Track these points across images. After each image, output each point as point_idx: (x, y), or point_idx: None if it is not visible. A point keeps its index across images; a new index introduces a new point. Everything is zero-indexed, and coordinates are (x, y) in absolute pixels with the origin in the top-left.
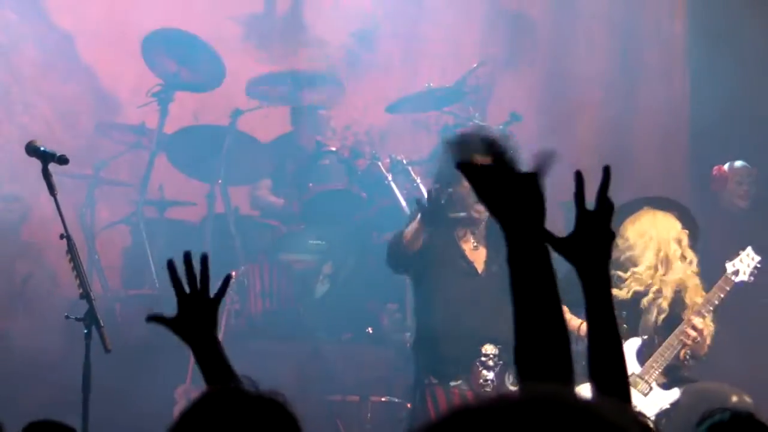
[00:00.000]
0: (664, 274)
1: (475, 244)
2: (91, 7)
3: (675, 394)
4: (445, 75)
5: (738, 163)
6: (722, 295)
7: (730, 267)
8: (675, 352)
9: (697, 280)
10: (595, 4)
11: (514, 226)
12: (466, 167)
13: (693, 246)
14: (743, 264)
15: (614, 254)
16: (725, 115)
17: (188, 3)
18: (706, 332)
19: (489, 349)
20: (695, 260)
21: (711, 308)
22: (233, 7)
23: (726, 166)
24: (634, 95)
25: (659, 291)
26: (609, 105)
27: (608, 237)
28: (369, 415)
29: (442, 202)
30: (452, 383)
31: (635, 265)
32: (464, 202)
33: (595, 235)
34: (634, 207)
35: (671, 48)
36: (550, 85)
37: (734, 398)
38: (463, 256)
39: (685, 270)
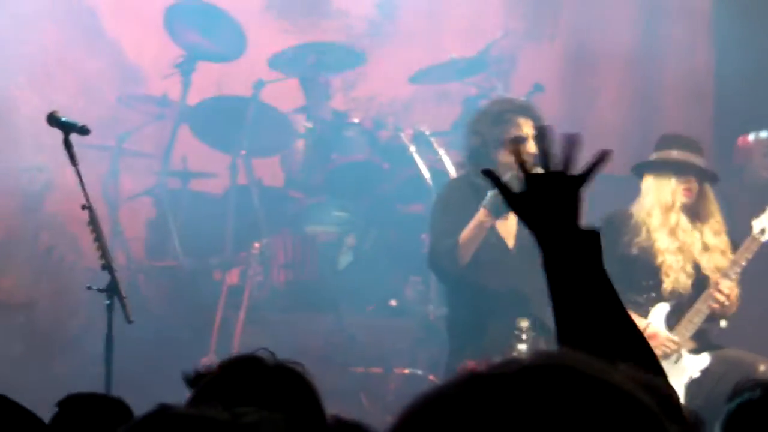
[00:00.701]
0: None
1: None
2: None
3: (705, 359)
4: (467, 46)
5: (763, 134)
6: (749, 256)
7: (757, 225)
8: (704, 317)
9: (727, 253)
10: None
11: (548, 234)
12: (492, 175)
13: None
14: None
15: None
16: (750, 87)
17: None
18: (733, 296)
19: (522, 323)
20: (720, 222)
21: (738, 270)
22: None
23: (751, 137)
24: (657, 67)
25: (683, 254)
26: (632, 77)
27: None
28: (392, 387)
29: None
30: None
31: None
32: (524, 146)
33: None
34: (655, 169)
35: (696, 20)
36: (573, 57)
37: (762, 367)
38: (494, 232)
39: (711, 231)
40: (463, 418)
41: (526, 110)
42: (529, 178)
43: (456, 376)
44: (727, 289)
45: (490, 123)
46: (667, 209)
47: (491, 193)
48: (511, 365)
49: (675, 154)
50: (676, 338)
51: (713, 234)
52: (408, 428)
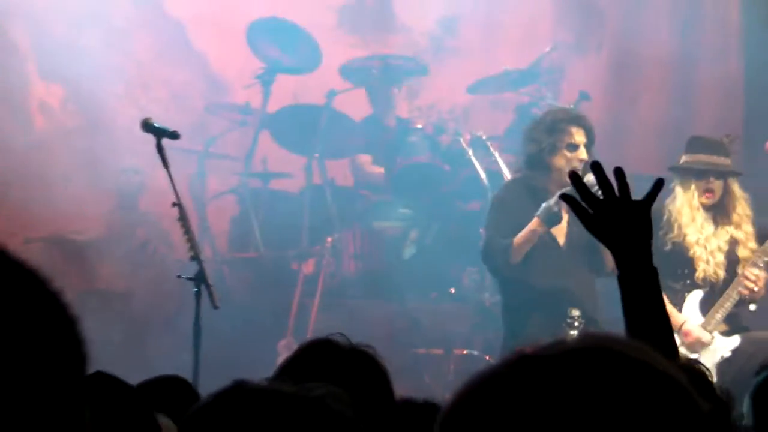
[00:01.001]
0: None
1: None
2: None
3: (735, 341)
4: (520, 59)
5: None
6: None
7: None
8: (734, 302)
9: (755, 248)
10: None
11: (625, 252)
12: (571, 200)
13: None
14: None
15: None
16: None
17: None
18: (761, 282)
19: (574, 312)
20: (746, 215)
21: (766, 258)
22: None
23: None
24: (692, 76)
25: (711, 246)
26: (669, 82)
27: (638, 226)
28: (452, 366)
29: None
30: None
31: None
32: (562, 178)
33: (624, 222)
34: (680, 173)
35: (727, 28)
36: (616, 66)
37: None
38: (547, 231)
39: (736, 224)
40: (513, 396)
41: (577, 120)
42: (602, 204)
43: (509, 355)
44: (755, 276)
45: (545, 131)
46: (692, 208)
47: (545, 206)
48: (558, 347)
49: (697, 158)
50: (707, 338)
51: (738, 226)
52: (464, 405)
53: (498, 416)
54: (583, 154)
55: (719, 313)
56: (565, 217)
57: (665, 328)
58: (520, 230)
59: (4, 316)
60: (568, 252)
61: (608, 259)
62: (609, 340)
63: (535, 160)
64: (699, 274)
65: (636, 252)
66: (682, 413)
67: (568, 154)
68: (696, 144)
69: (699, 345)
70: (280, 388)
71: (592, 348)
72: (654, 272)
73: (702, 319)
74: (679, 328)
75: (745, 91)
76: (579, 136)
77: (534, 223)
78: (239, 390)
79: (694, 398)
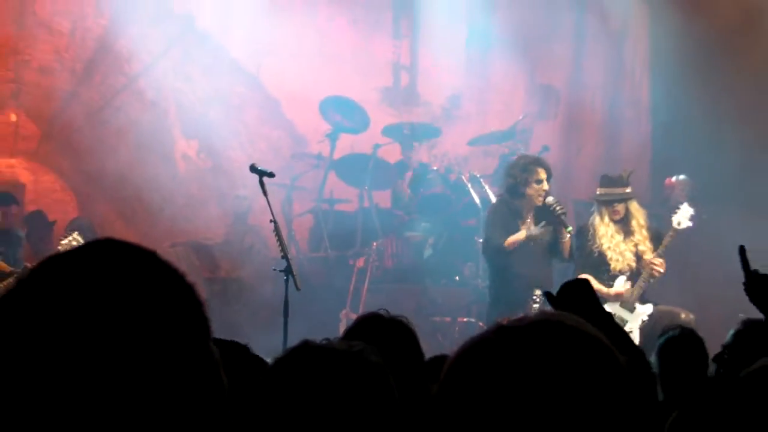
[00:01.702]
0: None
1: (529, 221)
2: (290, 82)
3: (650, 308)
4: (502, 123)
5: (681, 177)
6: (670, 240)
7: (675, 219)
8: (646, 281)
9: (649, 245)
10: (595, 79)
11: None
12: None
13: (648, 225)
14: (682, 214)
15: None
16: (674, 146)
17: (347, 79)
18: (662, 268)
19: (537, 291)
20: (642, 224)
21: (664, 250)
22: (374, 81)
23: (674, 179)
24: (617, 134)
25: (620, 248)
26: (601, 140)
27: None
28: (456, 329)
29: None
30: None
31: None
32: (536, 198)
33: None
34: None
35: (639, 105)
36: (567, 129)
37: (683, 316)
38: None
39: (636, 231)
40: (494, 354)
41: (541, 163)
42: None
43: (491, 326)
44: (659, 263)
45: (519, 170)
46: (605, 225)
47: (533, 234)
48: (524, 320)
49: (606, 191)
50: (629, 296)
51: (637, 232)
52: (461, 360)
53: (484, 369)
54: (545, 186)
55: (636, 290)
56: (532, 225)
57: None
58: (504, 233)
59: (158, 298)
60: (536, 249)
61: (565, 250)
62: (557, 315)
63: (513, 190)
64: (614, 267)
65: None
66: (605, 362)
67: (536, 186)
68: (605, 180)
69: (625, 302)
70: (331, 345)
71: (547, 321)
72: None
73: (630, 290)
74: (613, 296)
75: (652, 144)
76: (542, 174)
77: (521, 235)
78: (305, 346)
79: (614, 352)
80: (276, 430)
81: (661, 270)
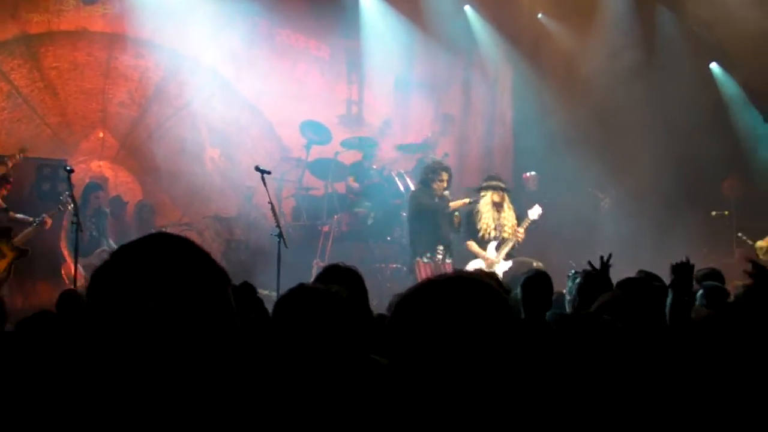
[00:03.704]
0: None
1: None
2: (280, 111)
3: (510, 263)
4: (417, 138)
5: (532, 173)
6: (527, 224)
7: (530, 213)
8: (511, 245)
9: (514, 222)
10: (477, 109)
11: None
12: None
13: (511, 204)
14: (533, 211)
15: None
16: (528, 152)
17: (317, 109)
18: (522, 236)
19: (440, 246)
20: (511, 207)
21: (525, 227)
22: (335, 110)
23: (528, 173)
24: (491, 146)
25: (495, 222)
26: (482, 151)
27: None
28: (388, 272)
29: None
30: (425, 260)
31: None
32: (439, 190)
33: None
34: (483, 190)
35: (505, 125)
36: (460, 142)
37: (535, 264)
38: (443, 202)
39: (506, 212)
40: (422, 299)
41: (445, 168)
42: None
43: (423, 280)
44: (521, 232)
45: (431, 171)
46: (490, 208)
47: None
48: (442, 276)
49: (491, 183)
50: (497, 260)
51: (507, 212)
52: (402, 304)
53: (416, 310)
54: (445, 183)
55: (503, 251)
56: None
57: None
58: (425, 208)
59: (194, 266)
60: (443, 221)
61: (455, 224)
62: (462, 272)
63: (425, 183)
64: (491, 235)
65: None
66: (496, 299)
67: (438, 183)
68: (489, 177)
69: (492, 264)
70: (317, 286)
71: (458, 276)
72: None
73: (495, 254)
74: (485, 255)
75: (513, 151)
76: (444, 176)
77: (457, 204)
78: (301, 287)
79: (500, 292)
80: (284, 347)
81: (522, 237)
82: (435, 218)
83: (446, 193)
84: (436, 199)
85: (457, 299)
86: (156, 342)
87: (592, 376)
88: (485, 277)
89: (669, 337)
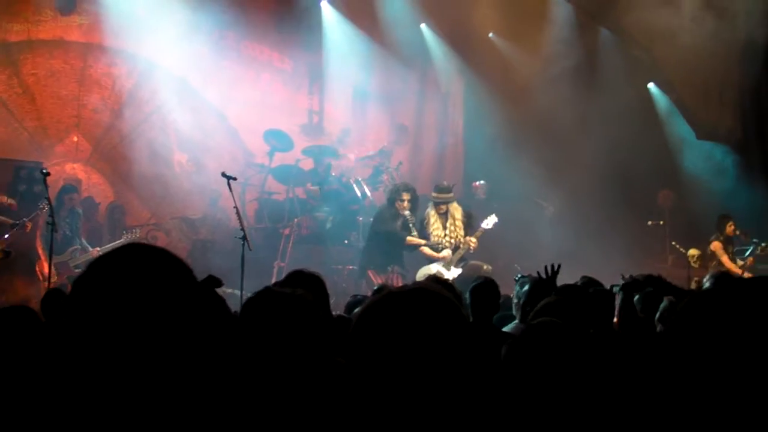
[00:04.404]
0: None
1: (399, 223)
2: (245, 119)
3: (459, 269)
4: (375, 147)
5: (481, 182)
6: (480, 234)
7: (483, 223)
8: (463, 252)
9: (461, 230)
10: (430, 120)
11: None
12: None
13: (466, 216)
14: (489, 220)
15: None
16: (476, 162)
17: (280, 118)
18: (474, 245)
19: (389, 267)
20: (459, 218)
21: (479, 235)
22: (297, 120)
23: (477, 182)
24: (444, 154)
25: (443, 232)
26: (435, 158)
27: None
28: (345, 272)
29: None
30: (381, 273)
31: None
32: (401, 209)
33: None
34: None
35: (457, 136)
36: (412, 150)
37: (484, 267)
38: (404, 223)
39: (455, 221)
40: (387, 309)
41: (407, 189)
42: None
43: (385, 292)
44: (473, 242)
45: (395, 191)
46: (436, 218)
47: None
48: (402, 288)
49: (437, 195)
50: (447, 255)
51: (456, 222)
52: (367, 310)
53: (382, 317)
54: (407, 202)
55: (456, 257)
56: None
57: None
58: (386, 227)
59: (168, 269)
60: (401, 236)
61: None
62: (418, 284)
63: (391, 201)
64: (440, 243)
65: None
66: (453, 312)
67: (399, 203)
68: (438, 188)
69: (446, 263)
70: (283, 290)
71: (414, 288)
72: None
73: (447, 259)
74: (440, 258)
75: (464, 161)
76: (405, 196)
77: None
78: (268, 290)
79: (455, 303)
80: (251, 348)
81: (473, 246)
82: (390, 242)
83: (407, 213)
84: (399, 219)
85: (417, 311)
86: (132, 343)
87: (535, 376)
88: (444, 291)
89: (614, 339)
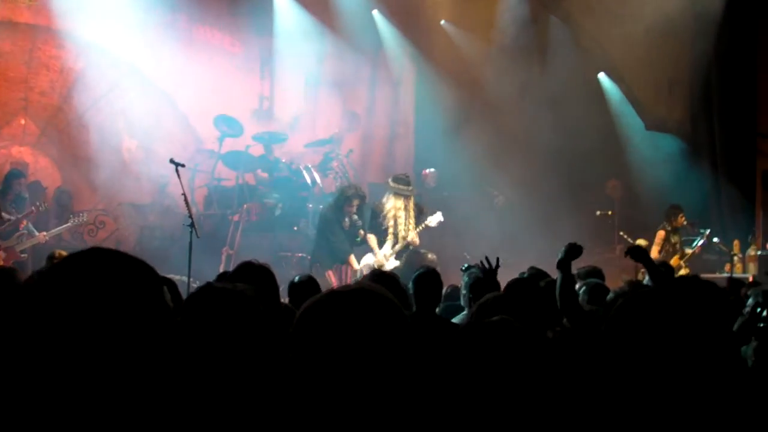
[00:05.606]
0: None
1: (347, 221)
2: (195, 103)
3: (398, 262)
4: (325, 134)
5: (431, 170)
6: (422, 228)
7: (429, 220)
8: (404, 244)
9: (414, 223)
10: (382, 108)
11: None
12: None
13: (415, 207)
14: (434, 218)
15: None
16: (427, 152)
17: (230, 103)
18: (417, 240)
19: (336, 263)
20: (412, 213)
21: (420, 230)
22: (247, 105)
23: (427, 170)
24: (394, 144)
25: (399, 226)
26: (386, 147)
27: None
28: (295, 260)
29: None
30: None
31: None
32: (350, 213)
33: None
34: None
35: (408, 125)
36: (363, 137)
37: (429, 256)
38: (354, 220)
39: (409, 216)
40: (328, 306)
41: (357, 194)
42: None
43: (327, 291)
44: (415, 236)
45: (343, 196)
46: (396, 209)
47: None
48: (346, 287)
49: (398, 186)
50: (385, 256)
51: (409, 217)
52: (308, 309)
53: (324, 315)
54: (354, 208)
55: (392, 251)
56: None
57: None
58: (334, 225)
59: (121, 269)
60: (352, 231)
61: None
62: (362, 283)
63: (341, 203)
64: (397, 234)
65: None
66: (390, 309)
67: (347, 207)
68: (397, 178)
69: (382, 263)
70: (224, 286)
71: (360, 288)
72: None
73: (388, 252)
74: (377, 256)
75: (415, 149)
76: (356, 201)
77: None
78: (208, 287)
79: (395, 302)
80: (192, 345)
81: (417, 241)
82: (337, 240)
83: (355, 218)
84: (346, 220)
85: (357, 312)
86: (84, 344)
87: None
88: (384, 290)
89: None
